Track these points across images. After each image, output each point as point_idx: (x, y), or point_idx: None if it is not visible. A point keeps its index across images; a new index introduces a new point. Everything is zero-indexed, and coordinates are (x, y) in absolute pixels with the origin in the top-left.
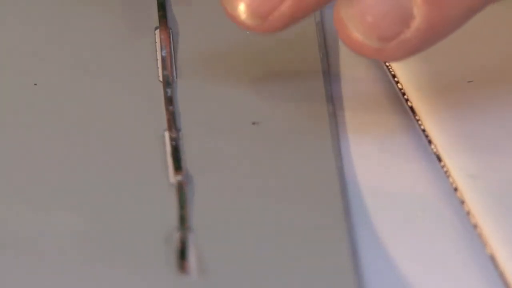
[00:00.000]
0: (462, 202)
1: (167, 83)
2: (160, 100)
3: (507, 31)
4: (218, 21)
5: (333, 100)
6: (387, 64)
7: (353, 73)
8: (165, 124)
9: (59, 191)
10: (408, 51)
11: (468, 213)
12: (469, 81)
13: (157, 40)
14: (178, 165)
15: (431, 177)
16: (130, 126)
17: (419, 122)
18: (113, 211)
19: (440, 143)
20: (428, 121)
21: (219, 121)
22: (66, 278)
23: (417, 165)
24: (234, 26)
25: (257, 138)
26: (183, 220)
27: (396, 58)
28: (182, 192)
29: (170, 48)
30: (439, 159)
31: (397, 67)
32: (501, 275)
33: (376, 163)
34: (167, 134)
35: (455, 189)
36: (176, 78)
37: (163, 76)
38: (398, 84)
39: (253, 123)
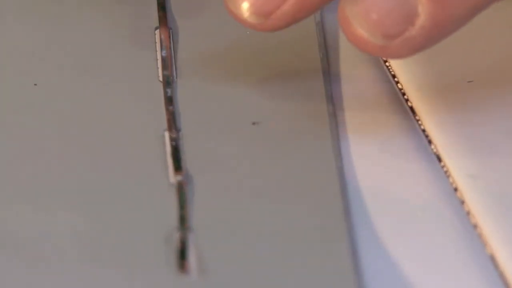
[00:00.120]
0: (462, 202)
1: (167, 83)
2: (160, 100)
3: (507, 31)
4: (218, 21)
5: (333, 100)
6: (387, 64)
7: (353, 73)
8: (165, 124)
9: (59, 191)
10: (413, 49)
11: (468, 213)
12: (469, 81)
13: (157, 40)
14: (178, 165)
15: (431, 177)
16: (130, 126)
17: (419, 122)
18: (113, 211)
19: (440, 143)
20: (428, 121)
21: (219, 121)
22: (66, 278)
23: (417, 165)
24: (234, 26)
25: (257, 138)
26: (183, 220)
27: (401, 56)
28: (182, 192)
29: (170, 48)
30: (439, 159)
31: (397, 67)
32: (501, 275)
33: (376, 163)
34: (167, 134)
35: (455, 189)
36: (176, 78)
37: (163, 76)
38: (398, 84)
39: (253, 123)
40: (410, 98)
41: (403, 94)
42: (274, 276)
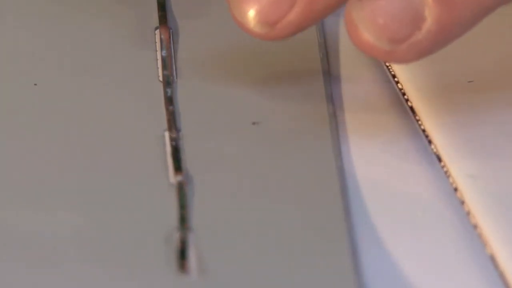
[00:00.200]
0: (462, 202)
1: (167, 83)
2: (160, 100)
3: (507, 31)
4: (218, 21)
5: (333, 100)
6: (387, 64)
7: (353, 73)
8: (165, 124)
9: (59, 191)
10: (419, 53)
11: (468, 213)
12: (469, 81)
13: (157, 40)
14: (178, 165)
15: (431, 177)
16: (130, 126)
17: (419, 122)
18: (113, 211)
19: (440, 143)
20: (428, 121)
21: (219, 121)
22: (66, 278)
23: (417, 165)
24: (234, 26)
25: (257, 138)
26: (183, 220)
27: (407, 60)
28: (182, 192)
29: (170, 48)
30: (439, 159)
31: (397, 67)
32: (501, 275)
33: (376, 163)
34: (167, 134)
35: (455, 189)
36: (176, 78)
37: (163, 76)
38: (398, 84)
39: (253, 123)
40: (410, 98)
41: (403, 94)
42: (274, 276)
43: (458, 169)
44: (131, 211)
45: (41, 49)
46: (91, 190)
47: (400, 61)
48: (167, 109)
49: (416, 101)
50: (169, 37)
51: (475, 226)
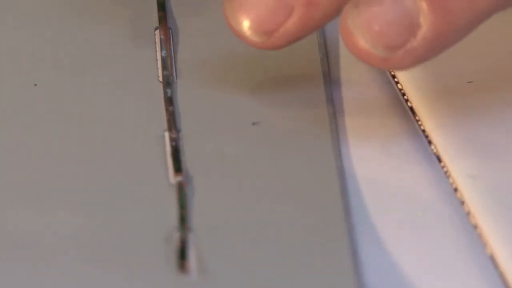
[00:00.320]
0: (462, 202)
1: (167, 83)
2: (160, 100)
3: (507, 31)
4: (218, 21)
5: (333, 101)
6: None
7: (353, 74)
8: (165, 125)
9: (59, 191)
10: (415, 60)
11: (468, 213)
12: (469, 82)
13: (157, 40)
14: (178, 166)
15: (431, 177)
16: (130, 126)
17: (419, 123)
18: (113, 211)
19: (440, 143)
20: (428, 122)
21: (219, 121)
22: (66, 278)
23: (417, 166)
24: None
25: (257, 138)
26: (183, 220)
27: (403, 67)
28: (182, 193)
29: (170, 48)
30: (439, 159)
31: None
32: (501, 275)
33: (376, 163)
34: (167, 135)
35: (455, 190)
36: (176, 78)
37: (163, 76)
38: (398, 85)
39: (253, 123)
40: (410, 99)
41: (403, 94)
42: (274, 276)
43: (458, 169)
44: (131, 211)
45: (41, 49)
46: (91, 190)
47: (396, 68)
48: (167, 109)
49: (416, 101)
50: (169, 37)
51: (475, 226)
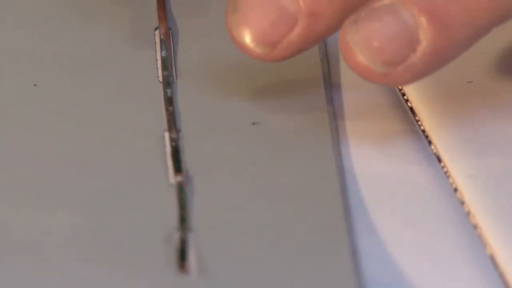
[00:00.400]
0: (462, 202)
1: (167, 83)
2: (160, 101)
3: (507, 31)
4: (218, 21)
5: (333, 101)
6: None
7: (353, 74)
8: (165, 125)
9: (59, 191)
10: (415, 76)
11: (468, 213)
12: (469, 82)
13: (157, 40)
14: (178, 166)
15: (431, 177)
16: (130, 127)
17: (419, 123)
18: (113, 211)
19: (440, 143)
20: (428, 122)
21: (219, 121)
22: (66, 278)
23: (417, 165)
24: None
25: (257, 138)
26: (183, 220)
27: (403, 83)
28: (182, 193)
29: (170, 48)
30: (439, 159)
31: None
32: (501, 275)
33: (376, 163)
34: (167, 135)
35: (455, 190)
36: (176, 78)
37: (163, 76)
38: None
39: (253, 123)
40: (410, 99)
41: (403, 94)
42: (274, 276)
43: (458, 169)
44: (131, 211)
45: (41, 49)
46: (91, 190)
47: (396, 83)
48: (167, 110)
49: (416, 101)
50: (169, 37)
51: (475, 226)
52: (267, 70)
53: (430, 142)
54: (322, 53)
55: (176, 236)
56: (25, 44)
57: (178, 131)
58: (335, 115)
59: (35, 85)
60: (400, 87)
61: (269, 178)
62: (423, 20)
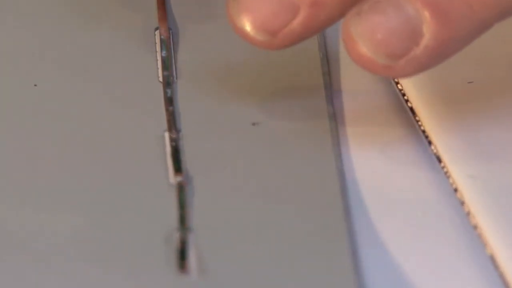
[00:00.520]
0: (462, 202)
1: (167, 83)
2: (160, 101)
3: (507, 31)
4: (218, 22)
5: (333, 101)
6: None
7: (353, 74)
8: (165, 125)
9: (59, 191)
10: (417, 68)
11: (468, 213)
12: (469, 82)
13: (157, 40)
14: (178, 166)
15: (431, 177)
16: (130, 127)
17: (419, 123)
18: (113, 211)
19: (440, 144)
20: (428, 122)
21: (219, 121)
22: (66, 278)
23: (417, 166)
24: None
25: (257, 138)
26: (183, 220)
27: (405, 75)
28: (182, 193)
29: (170, 48)
30: (439, 160)
31: None
32: (501, 276)
33: (376, 163)
34: (167, 135)
35: (455, 190)
36: (176, 78)
37: (163, 76)
38: (398, 85)
39: (253, 124)
40: (410, 99)
41: (403, 94)
42: (274, 276)
43: (458, 169)
44: (131, 211)
45: (41, 49)
46: (91, 190)
47: (398, 76)
48: (167, 110)
49: (416, 101)
50: (169, 37)
51: (475, 227)
52: (267, 71)
53: (430, 143)
54: (322, 53)
55: (176, 236)
56: (25, 44)
57: (178, 131)
58: (335, 115)
59: (35, 85)
60: (400, 88)
61: (269, 179)
62: (426, 13)
